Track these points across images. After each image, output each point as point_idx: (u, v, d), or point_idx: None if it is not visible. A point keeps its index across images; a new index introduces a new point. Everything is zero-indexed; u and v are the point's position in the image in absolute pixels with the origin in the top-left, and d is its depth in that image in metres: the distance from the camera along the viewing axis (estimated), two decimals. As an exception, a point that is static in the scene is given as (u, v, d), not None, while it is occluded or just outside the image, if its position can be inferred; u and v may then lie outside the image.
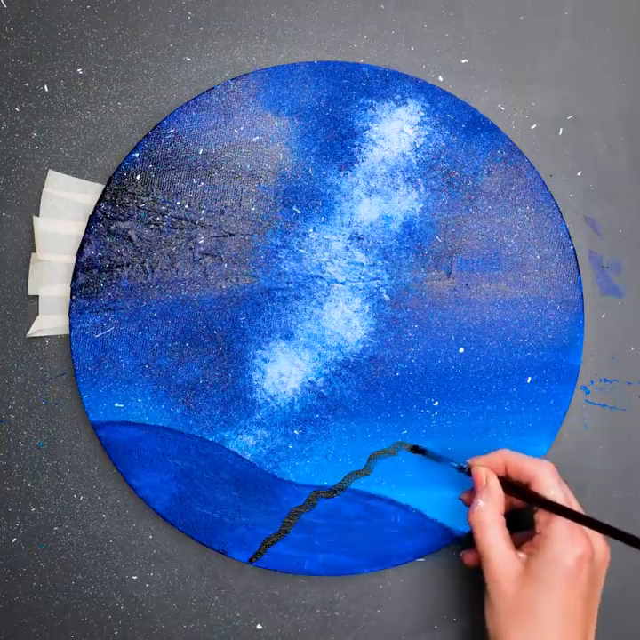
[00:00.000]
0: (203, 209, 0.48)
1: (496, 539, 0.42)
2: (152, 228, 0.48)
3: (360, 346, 0.49)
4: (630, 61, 0.52)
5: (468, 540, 0.50)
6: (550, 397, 0.49)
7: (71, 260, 0.49)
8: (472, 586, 0.50)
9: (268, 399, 0.48)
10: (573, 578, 0.39)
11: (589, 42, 0.52)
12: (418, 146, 0.49)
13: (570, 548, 0.40)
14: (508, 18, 0.52)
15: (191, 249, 0.48)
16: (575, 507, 0.42)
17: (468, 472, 0.45)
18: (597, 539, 0.42)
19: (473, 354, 0.49)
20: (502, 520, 0.43)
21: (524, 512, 0.46)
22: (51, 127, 0.50)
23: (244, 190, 0.49)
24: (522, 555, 0.41)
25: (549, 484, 0.42)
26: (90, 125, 0.50)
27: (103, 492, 0.50)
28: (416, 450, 0.48)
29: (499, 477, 0.44)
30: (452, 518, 0.48)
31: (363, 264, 0.49)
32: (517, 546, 0.43)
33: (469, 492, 0.47)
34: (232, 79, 0.49)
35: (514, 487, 0.43)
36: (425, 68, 0.51)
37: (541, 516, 0.42)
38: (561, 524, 0.40)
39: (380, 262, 0.49)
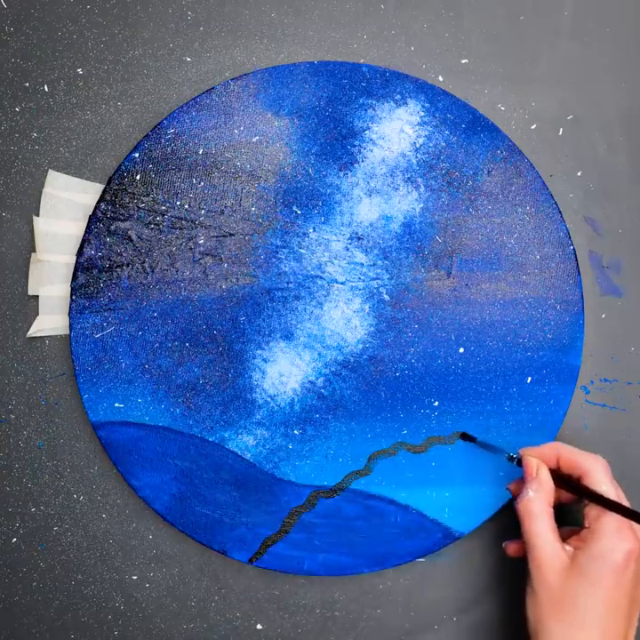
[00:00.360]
0: (203, 209, 0.48)
1: (544, 529, 0.42)
2: (152, 228, 0.48)
3: (360, 346, 0.49)
4: (630, 61, 0.52)
5: (476, 538, 0.50)
6: (550, 397, 0.49)
7: (71, 260, 0.49)
8: (472, 586, 0.50)
9: (268, 399, 0.48)
10: (620, 574, 0.39)
11: (589, 42, 0.52)
12: (418, 146, 0.49)
13: (618, 544, 0.40)
14: (508, 18, 0.52)
15: (191, 249, 0.48)
16: (626, 504, 0.42)
17: (517, 462, 0.45)
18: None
19: (473, 354, 0.49)
20: (551, 511, 0.43)
21: (570, 507, 0.47)
22: (51, 127, 0.50)
23: (244, 190, 0.49)
24: (568, 548, 0.41)
25: (602, 479, 0.42)
26: (90, 125, 0.50)
27: (103, 492, 0.50)
28: (465, 437, 0.48)
29: (549, 469, 0.44)
30: (451, 518, 0.48)
31: (363, 264, 0.49)
32: (564, 539, 0.42)
33: (518, 482, 0.46)
34: (232, 79, 0.49)
35: (564, 480, 0.43)
36: (425, 68, 0.51)
37: (591, 511, 0.42)
38: (611, 520, 0.40)
39: (379, 262, 0.49)
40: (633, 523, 0.41)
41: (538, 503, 0.42)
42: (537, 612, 0.41)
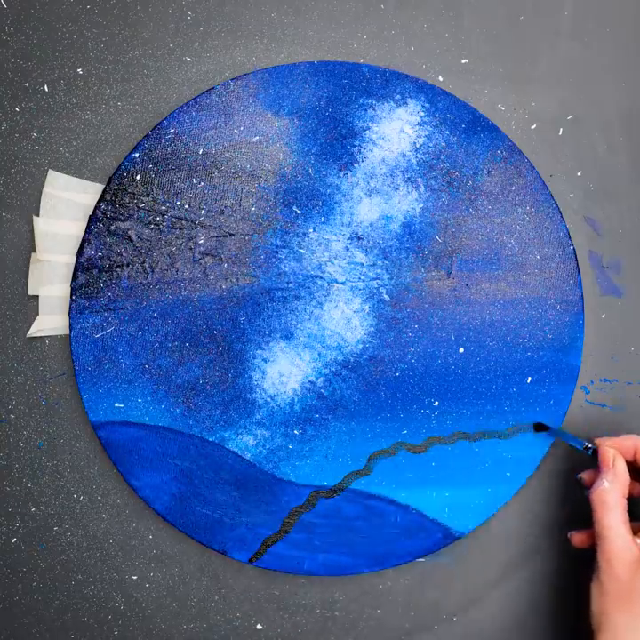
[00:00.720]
0: (203, 209, 0.48)
1: (616, 521, 0.41)
2: (152, 228, 0.48)
3: (360, 346, 0.49)
4: (630, 61, 0.52)
5: (476, 538, 0.50)
6: (550, 397, 0.49)
7: (71, 259, 0.49)
8: (472, 586, 0.50)
9: (268, 399, 0.48)
10: None
11: (589, 42, 0.52)
12: (418, 146, 0.49)
13: None
14: (508, 18, 0.52)
15: (191, 249, 0.48)
16: None
17: (593, 452, 0.44)
18: None
19: (473, 354, 0.49)
20: (625, 504, 0.42)
21: None
22: (51, 127, 0.50)
23: (244, 190, 0.49)
24: (639, 541, 0.41)
25: None
26: (90, 125, 0.50)
27: (103, 491, 0.50)
28: (540, 427, 0.48)
29: (626, 462, 0.44)
30: (451, 518, 0.48)
31: (363, 264, 0.49)
32: (635, 533, 0.42)
33: (591, 472, 0.46)
34: (232, 79, 0.49)
35: None
36: (425, 68, 0.51)
37: None
38: None
39: (380, 262, 0.49)
40: None
41: (612, 494, 0.42)
42: (603, 603, 0.41)
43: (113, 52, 0.51)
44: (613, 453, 0.43)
